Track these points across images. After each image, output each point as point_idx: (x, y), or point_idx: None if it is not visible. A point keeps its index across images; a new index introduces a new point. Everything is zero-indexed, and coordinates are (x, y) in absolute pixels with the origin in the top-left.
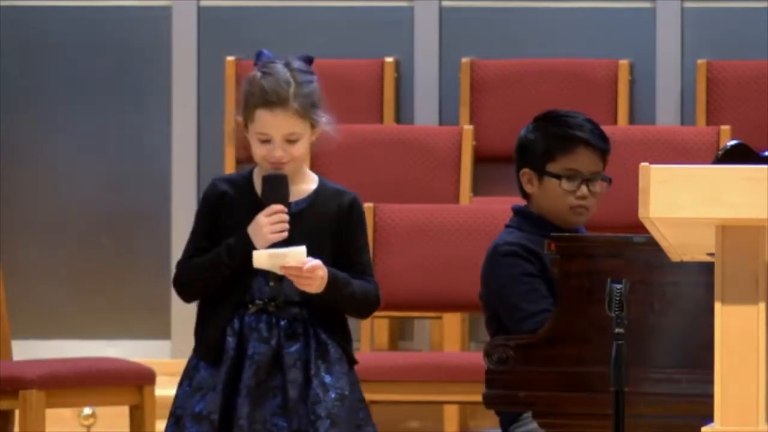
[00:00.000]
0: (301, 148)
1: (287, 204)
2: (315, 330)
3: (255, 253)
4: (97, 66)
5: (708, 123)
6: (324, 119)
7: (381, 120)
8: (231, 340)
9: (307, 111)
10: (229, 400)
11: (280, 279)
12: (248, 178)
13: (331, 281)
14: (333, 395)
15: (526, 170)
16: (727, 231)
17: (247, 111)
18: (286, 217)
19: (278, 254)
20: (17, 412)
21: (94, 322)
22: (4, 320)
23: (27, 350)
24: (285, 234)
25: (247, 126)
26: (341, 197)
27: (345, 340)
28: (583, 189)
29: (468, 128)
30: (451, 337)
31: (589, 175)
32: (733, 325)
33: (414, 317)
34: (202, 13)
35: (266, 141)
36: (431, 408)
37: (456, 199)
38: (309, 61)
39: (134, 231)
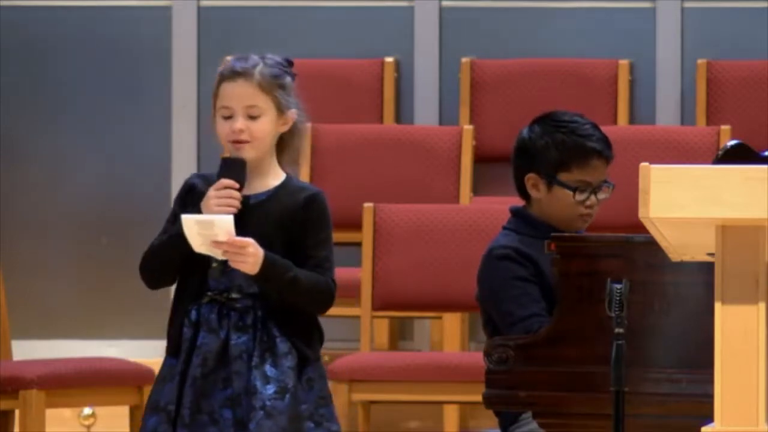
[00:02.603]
0: (264, 128)
1: (242, 185)
2: (265, 323)
3: (183, 217)
4: (97, 66)
5: (708, 123)
6: (293, 107)
7: (381, 120)
8: (187, 331)
9: (272, 87)
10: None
11: (223, 263)
12: (216, 176)
13: (269, 263)
14: (272, 388)
15: (532, 175)
16: (727, 231)
17: (215, 90)
18: (237, 194)
19: (204, 220)
20: (17, 412)
21: (94, 322)
22: (4, 320)
23: (27, 350)
24: (233, 209)
25: (215, 112)
26: (300, 193)
27: (300, 337)
28: (592, 198)
29: (468, 128)
30: (451, 337)
31: (598, 184)
32: (733, 325)
33: (414, 317)
34: (202, 13)
35: (229, 117)
36: (431, 408)
37: (456, 199)
38: (289, 62)
39: (134, 231)
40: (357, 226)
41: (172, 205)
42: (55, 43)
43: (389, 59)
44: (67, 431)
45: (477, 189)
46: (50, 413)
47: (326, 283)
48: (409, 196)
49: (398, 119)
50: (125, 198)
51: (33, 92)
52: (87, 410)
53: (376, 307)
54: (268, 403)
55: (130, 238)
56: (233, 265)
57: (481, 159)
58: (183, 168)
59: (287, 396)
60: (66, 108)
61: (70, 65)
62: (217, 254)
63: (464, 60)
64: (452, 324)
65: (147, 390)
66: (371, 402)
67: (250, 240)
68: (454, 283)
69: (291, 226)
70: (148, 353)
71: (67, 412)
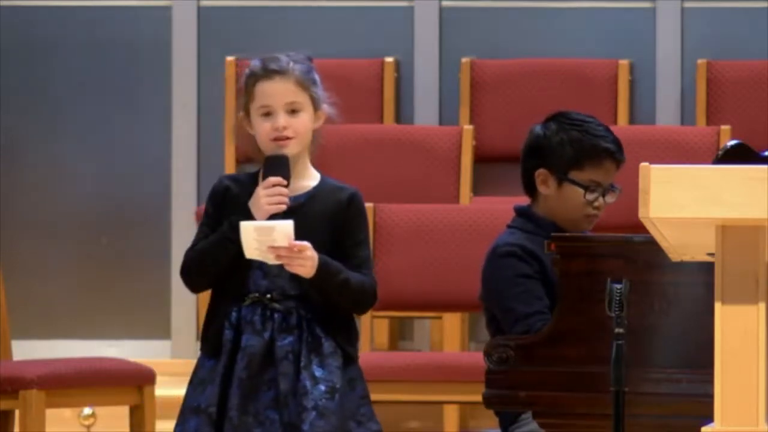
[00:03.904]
0: (305, 123)
1: (288, 182)
2: (309, 324)
3: (242, 224)
4: (97, 66)
5: (708, 123)
6: (326, 102)
7: (381, 120)
8: (228, 333)
9: (307, 83)
10: (227, 392)
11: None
12: (254, 177)
13: (323, 266)
14: (322, 388)
15: (543, 171)
16: (727, 231)
17: (248, 92)
18: (286, 191)
19: (265, 226)
20: (17, 412)
21: (94, 322)
22: (4, 320)
23: (27, 350)
24: (283, 207)
25: (249, 113)
26: (340, 192)
27: (343, 337)
28: (601, 200)
29: (468, 128)
30: (451, 337)
31: (607, 186)
32: (733, 325)
33: (414, 317)
34: (202, 13)
35: (268, 114)
36: (431, 408)
37: (456, 199)
38: (309, 59)
39: (134, 231)
40: None
41: (196, 207)
42: (55, 43)
43: (389, 59)
44: (67, 431)
45: (477, 189)
46: (50, 413)
47: (371, 285)
48: (409, 196)
49: (398, 119)
50: (125, 198)
51: (33, 92)
52: (87, 410)
53: (376, 307)
54: (320, 403)
55: (130, 238)
56: (289, 269)
57: (481, 159)
58: (183, 168)
59: (336, 396)
60: (66, 108)
61: (70, 65)
62: (269, 259)
63: (464, 60)
64: (452, 324)
65: (147, 390)
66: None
67: (307, 244)
68: (454, 283)
69: (335, 226)
70: (148, 353)
71: (67, 412)
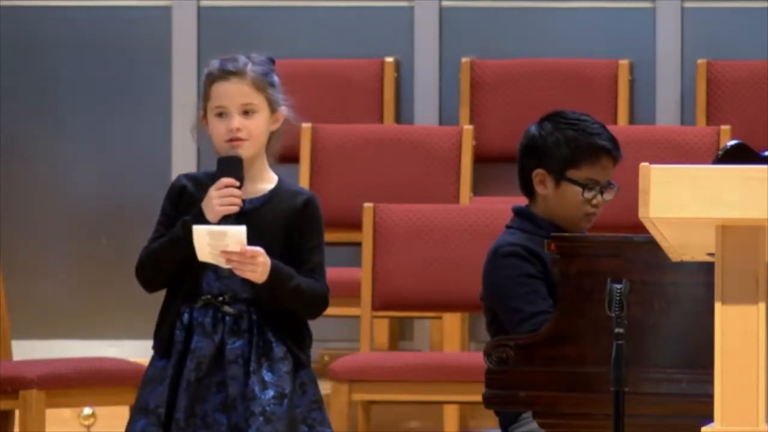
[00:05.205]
0: (259, 125)
1: (241, 184)
2: (260, 328)
3: (195, 228)
4: (97, 66)
5: (708, 123)
6: (284, 105)
7: (381, 120)
8: (179, 334)
9: (264, 84)
10: (176, 394)
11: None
12: (211, 177)
13: (274, 272)
14: (271, 393)
15: (540, 171)
16: (727, 231)
17: (205, 91)
18: (238, 192)
19: (217, 231)
20: (17, 412)
21: (94, 322)
22: (4, 320)
23: (27, 350)
24: (235, 208)
25: (206, 113)
26: (296, 197)
27: (293, 341)
28: (599, 198)
29: (468, 128)
30: (451, 337)
31: (605, 184)
32: (733, 325)
33: (414, 317)
34: (202, 13)
35: (223, 115)
36: (431, 408)
37: (456, 199)
38: (272, 61)
39: (134, 231)
40: (357, 226)
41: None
42: (56, 43)
43: (389, 59)
44: (67, 431)
45: (477, 189)
46: (50, 413)
47: (323, 290)
48: (409, 196)
49: (398, 119)
50: (125, 198)
51: (33, 92)
52: (87, 410)
53: (376, 307)
54: (267, 408)
55: (130, 238)
56: (240, 274)
57: (481, 159)
58: (183, 168)
59: (285, 401)
60: (66, 108)
61: (71, 65)
62: (221, 263)
63: (464, 60)
64: (452, 324)
65: None
66: (371, 402)
67: (260, 249)
68: (454, 283)
69: (289, 230)
70: (148, 353)
71: (67, 412)
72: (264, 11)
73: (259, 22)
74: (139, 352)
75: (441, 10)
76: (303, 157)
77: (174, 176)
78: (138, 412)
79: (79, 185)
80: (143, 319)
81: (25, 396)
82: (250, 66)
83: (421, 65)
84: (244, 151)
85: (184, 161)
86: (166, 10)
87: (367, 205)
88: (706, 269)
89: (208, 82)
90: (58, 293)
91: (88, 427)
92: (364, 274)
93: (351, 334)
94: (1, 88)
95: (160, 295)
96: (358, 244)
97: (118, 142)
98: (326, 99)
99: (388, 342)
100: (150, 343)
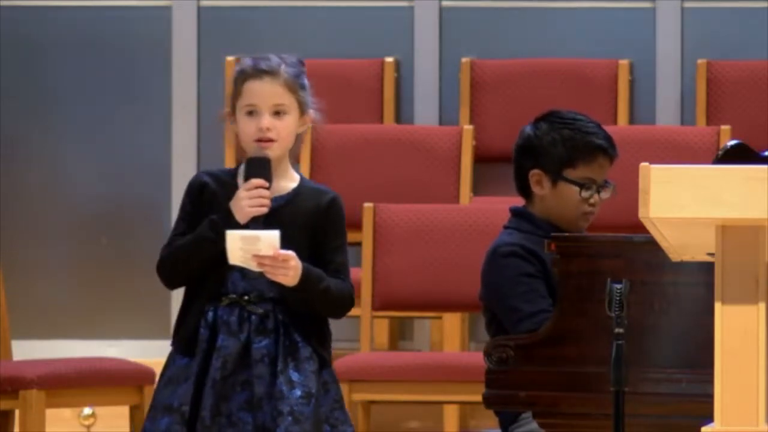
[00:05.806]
0: (289, 126)
1: (270, 184)
2: (286, 327)
3: (228, 233)
4: (97, 66)
5: (708, 123)
6: (312, 108)
7: (381, 120)
8: (204, 332)
9: (296, 86)
10: (200, 392)
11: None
12: (232, 175)
13: (305, 274)
14: (299, 392)
15: (537, 171)
16: (727, 231)
17: (236, 88)
18: (267, 193)
19: (251, 236)
20: (17, 412)
21: (94, 322)
22: (4, 320)
23: (27, 350)
24: (265, 209)
25: (235, 110)
26: (320, 196)
27: (318, 341)
28: (596, 197)
29: (468, 128)
30: (451, 337)
31: (601, 182)
32: (733, 325)
33: (414, 317)
34: (202, 13)
35: (253, 113)
36: (431, 408)
37: (456, 199)
38: (301, 62)
39: (134, 231)
40: (357, 226)
41: (180, 202)
42: (55, 43)
43: (389, 59)
44: (67, 431)
45: (477, 189)
46: (50, 413)
47: (349, 291)
48: (409, 196)
49: (398, 119)
50: (125, 198)
51: (33, 92)
52: (87, 410)
53: (376, 307)
54: (295, 408)
55: (130, 238)
56: (272, 277)
57: (481, 159)
58: (183, 168)
59: (312, 401)
60: (66, 108)
61: (70, 65)
62: (253, 266)
63: (464, 60)
64: (452, 324)
65: (147, 390)
66: (371, 402)
67: (292, 254)
68: (454, 283)
69: (314, 229)
70: (148, 353)
71: (67, 412)
72: (264, 11)
73: (259, 22)
74: (139, 352)
75: (441, 10)
76: (303, 156)
77: (174, 176)
78: (160, 409)
79: (79, 185)
80: (143, 319)
81: (25, 396)
82: (283, 67)
83: (421, 65)
84: (272, 152)
85: (184, 161)
86: (166, 10)
87: (367, 205)
88: (706, 269)
89: (240, 79)
90: (58, 293)
91: (88, 427)
92: (364, 274)
93: (351, 334)
94: (1, 88)
95: (160, 295)
96: (358, 244)
97: (118, 142)
98: (326, 99)
99: (388, 342)
100: (150, 342)
